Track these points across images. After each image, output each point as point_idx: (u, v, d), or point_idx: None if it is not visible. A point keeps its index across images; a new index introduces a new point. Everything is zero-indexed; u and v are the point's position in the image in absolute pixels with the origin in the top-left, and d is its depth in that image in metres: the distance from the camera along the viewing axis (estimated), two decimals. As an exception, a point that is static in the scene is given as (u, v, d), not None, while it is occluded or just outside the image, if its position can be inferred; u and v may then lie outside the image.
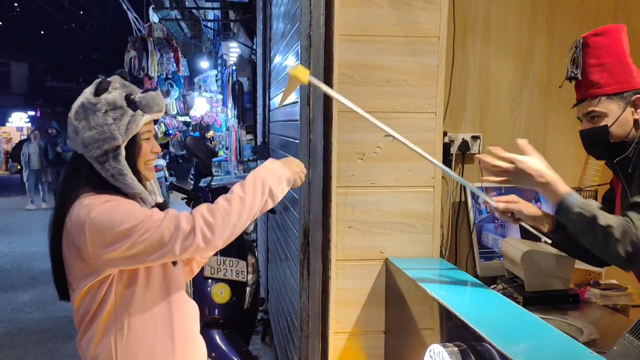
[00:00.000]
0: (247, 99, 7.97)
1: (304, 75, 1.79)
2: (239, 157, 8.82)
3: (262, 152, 4.90)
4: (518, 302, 2.23)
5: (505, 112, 2.77)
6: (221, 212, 1.52)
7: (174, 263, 1.72)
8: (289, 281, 3.07)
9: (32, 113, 27.13)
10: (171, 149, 15.74)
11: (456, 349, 1.59)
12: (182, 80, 12.06)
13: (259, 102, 6.15)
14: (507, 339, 1.47)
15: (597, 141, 1.82)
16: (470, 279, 2.13)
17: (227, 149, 12.72)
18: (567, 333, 1.59)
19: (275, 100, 4.08)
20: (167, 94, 10.71)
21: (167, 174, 12.00)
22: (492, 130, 2.75)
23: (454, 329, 1.69)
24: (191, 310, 1.83)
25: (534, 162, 1.75)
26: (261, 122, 5.67)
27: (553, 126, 2.79)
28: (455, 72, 2.64)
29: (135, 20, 11.35)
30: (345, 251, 2.31)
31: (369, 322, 2.35)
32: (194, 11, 10.88)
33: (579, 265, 2.41)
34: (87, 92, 1.63)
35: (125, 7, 10.94)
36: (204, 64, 14.64)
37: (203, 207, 1.53)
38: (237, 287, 3.18)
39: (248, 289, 3.22)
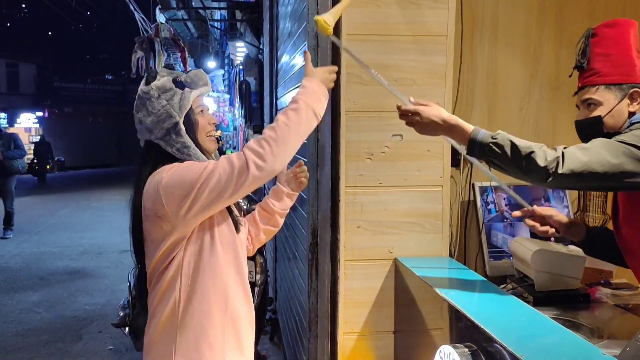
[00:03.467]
0: (254, 99, 7.97)
1: (328, 28, 1.85)
2: (246, 156, 8.80)
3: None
4: (528, 302, 2.22)
5: (514, 110, 2.75)
6: (268, 140, 1.63)
7: (237, 230, 1.82)
8: (298, 281, 3.07)
9: (40, 114, 27.26)
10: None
11: (467, 349, 1.58)
12: (189, 81, 12.03)
13: (266, 101, 6.14)
14: (518, 340, 1.46)
15: (590, 131, 1.82)
16: (479, 279, 2.12)
17: (234, 148, 12.74)
18: (578, 333, 1.58)
19: (283, 100, 4.08)
20: (174, 94, 10.72)
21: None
22: (501, 128, 2.66)
23: (464, 330, 1.68)
24: (246, 276, 1.91)
25: (433, 109, 1.75)
26: (268, 121, 5.67)
27: (562, 124, 2.78)
28: (463, 70, 2.63)
29: (142, 20, 11.37)
30: (354, 251, 2.31)
31: (378, 322, 2.34)
32: (201, 11, 10.90)
33: (590, 264, 2.40)
34: (140, 85, 1.79)
35: (132, 7, 10.96)
36: (211, 63, 14.65)
37: (251, 141, 1.65)
38: (245, 287, 3.17)
39: (257, 289, 3.22)
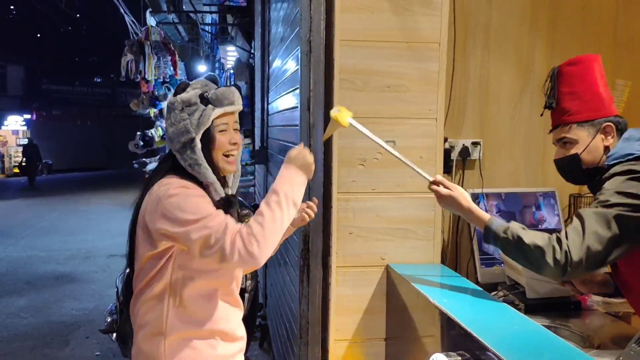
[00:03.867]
0: (245, 103, 7.92)
1: (344, 119, 1.89)
2: (236, 161, 8.77)
3: (261, 157, 4.88)
4: (519, 309, 2.22)
5: (505, 118, 2.76)
6: (257, 237, 1.62)
7: None
8: (288, 287, 3.05)
9: (28, 116, 27.04)
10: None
11: (460, 358, 1.58)
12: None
13: (257, 106, 6.13)
14: (512, 349, 1.46)
15: (570, 169, 1.88)
16: (471, 286, 2.12)
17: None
18: (570, 341, 1.58)
19: (275, 105, 4.07)
20: (164, 97, 10.65)
21: (163, 178, 11.93)
22: (492, 136, 2.74)
23: (456, 338, 1.68)
24: (237, 300, 1.92)
25: (455, 196, 1.87)
26: (259, 126, 5.65)
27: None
28: (455, 78, 2.63)
29: (132, 23, 11.32)
30: (346, 257, 2.30)
31: (370, 329, 2.33)
32: (192, 15, 10.86)
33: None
34: (170, 94, 1.85)
35: (122, 10, 10.90)
36: (201, 67, 14.61)
37: (244, 232, 1.62)
38: (235, 293, 3.15)
39: (247, 295, 3.20)
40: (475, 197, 2.66)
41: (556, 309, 2.29)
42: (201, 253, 1.64)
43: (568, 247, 1.63)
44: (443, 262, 2.49)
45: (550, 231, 2.66)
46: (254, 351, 4.40)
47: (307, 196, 2.40)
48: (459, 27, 2.62)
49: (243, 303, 3.16)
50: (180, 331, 1.74)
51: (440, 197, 1.90)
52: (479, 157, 2.70)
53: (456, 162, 2.69)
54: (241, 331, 1.90)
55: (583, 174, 1.87)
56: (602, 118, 1.83)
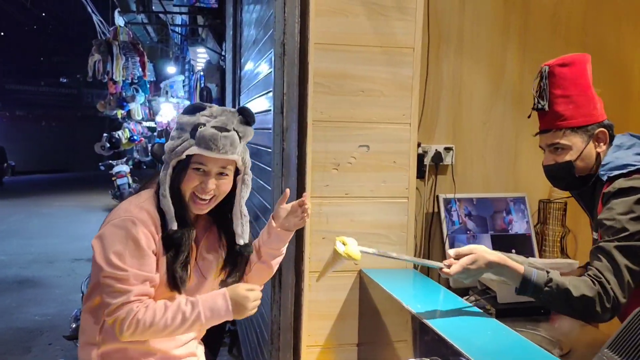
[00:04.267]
0: (215, 106, 7.86)
1: (356, 252, 1.79)
2: (206, 164, 8.69)
3: (231, 160, 4.82)
4: (490, 314, 2.23)
5: (478, 123, 2.78)
6: (139, 326, 1.57)
7: (178, 289, 1.71)
8: (259, 292, 3.01)
9: (-10, 116, 26.34)
10: (135, 155, 15.49)
11: (433, 364, 1.57)
12: (148, 85, 11.87)
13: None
14: (485, 354, 1.46)
15: (562, 176, 1.83)
16: (444, 291, 2.13)
17: (193, 155, 12.55)
18: (541, 346, 1.59)
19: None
20: (132, 99, 10.53)
21: (130, 180, 11.78)
22: (465, 141, 2.76)
23: (429, 343, 1.68)
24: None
25: (479, 257, 1.69)
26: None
27: (524, 138, 2.82)
28: (429, 83, 2.64)
29: (100, 23, 11.14)
30: (318, 263, 2.28)
31: (342, 335, 2.32)
32: (161, 15, 10.74)
33: (550, 276, 2.43)
34: (181, 111, 1.79)
35: (89, 9, 10.72)
36: (170, 69, 14.46)
37: (133, 310, 1.57)
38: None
39: (217, 300, 3.14)
40: (448, 202, 2.68)
41: (526, 314, 2.30)
42: (102, 295, 1.62)
43: (614, 291, 1.60)
44: (415, 267, 2.50)
45: (520, 236, 2.71)
46: (223, 357, 4.34)
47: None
48: (433, 33, 2.63)
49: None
50: (114, 343, 1.67)
51: (466, 270, 1.68)
52: (452, 162, 2.71)
53: (429, 167, 2.69)
54: (183, 350, 1.81)
55: (574, 181, 1.83)
56: (595, 123, 1.79)
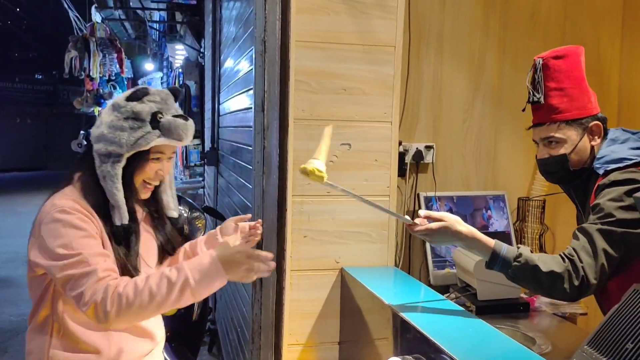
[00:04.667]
0: (194, 103, 7.82)
1: (323, 176, 1.71)
2: (185, 162, 8.64)
3: (211, 158, 4.80)
4: (471, 311, 2.25)
5: (458, 122, 2.80)
6: (123, 301, 1.43)
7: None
8: (240, 291, 3.00)
9: (-37, 113, 25.80)
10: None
11: (415, 361, 1.58)
12: (126, 82, 11.73)
13: (207, 106, 6.03)
14: (467, 352, 1.47)
15: (556, 169, 1.82)
16: (424, 289, 2.14)
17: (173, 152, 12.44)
18: (520, 342, 1.60)
19: (227, 105, 4.00)
20: (109, 95, 10.39)
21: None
22: (445, 140, 2.77)
23: (411, 340, 1.68)
24: (144, 329, 1.72)
25: (450, 225, 1.68)
26: (210, 127, 5.56)
27: (503, 137, 2.84)
28: (410, 81, 2.65)
29: (76, 19, 10.98)
30: (300, 261, 2.27)
31: (324, 333, 2.31)
32: (139, 12, 10.62)
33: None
34: (123, 95, 1.65)
35: (65, 5, 10.56)
36: (148, 65, 14.30)
37: (111, 288, 1.44)
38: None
39: (197, 299, 3.12)
40: (429, 201, 2.69)
41: (506, 311, 2.33)
42: (64, 291, 1.49)
43: (584, 270, 1.58)
44: (396, 264, 2.50)
45: (499, 234, 2.73)
46: (203, 356, 4.31)
47: (262, 199, 2.36)
48: (414, 31, 2.64)
49: (193, 309, 3.11)
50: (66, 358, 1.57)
51: (431, 234, 1.69)
52: (432, 160, 2.72)
53: (410, 166, 2.70)
54: None
55: (568, 175, 1.81)
56: (589, 116, 1.77)
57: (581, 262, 1.59)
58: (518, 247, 1.66)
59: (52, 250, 1.49)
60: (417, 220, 1.72)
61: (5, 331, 5.15)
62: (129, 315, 1.44)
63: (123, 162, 1.58)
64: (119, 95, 1.67)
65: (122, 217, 1.59)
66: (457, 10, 2.73)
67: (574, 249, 1.62)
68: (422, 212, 1.74)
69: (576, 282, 1.58)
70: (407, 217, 1.76)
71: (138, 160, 1.60)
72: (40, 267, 1.53)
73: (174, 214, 1.77)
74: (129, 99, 1.61)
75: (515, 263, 1.62)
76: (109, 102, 1.65)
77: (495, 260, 1.65)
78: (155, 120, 1.58)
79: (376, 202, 2.30)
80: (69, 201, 1.56)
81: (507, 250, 1.65)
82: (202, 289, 1.46)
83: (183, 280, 1.44)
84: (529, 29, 2.82)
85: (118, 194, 1.58)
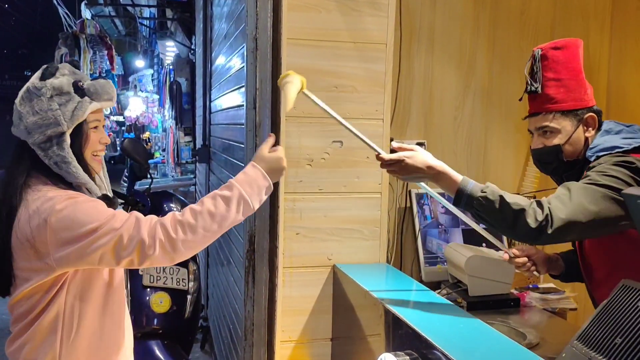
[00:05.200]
0: (185, 100, 7.82)
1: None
2: (176, 159, 8.62)
3: (202, 155, 4.80)
4: (462, 307, 2.27)
5: (449, 119, 2.81)
6: (185, 227, 1.45)
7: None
8: (232, 288, 3.00)
9: (-49, 110, 25.55)
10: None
11: (408, 357, 1.59)
12: (116, 79, 11.68)
13: (199, 103, 6.02)
14: (459, 347, 1.48)
15: (551, 160, 1.82)
16: (416, 285, 2.15)
17: (163, 150, 12.43)
18: (511, 338, 1.62)
19: (218, 102, 4.00)
20: (100, 93, 10.33)
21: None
22: (436, 137, 2.79)
23: (403, 337, 1.69)
24: (128, 319, 1.77)
25: (418, 156, 1.66)
26: (201, 124, 5.56)
27: (493, 133, 2.86)
28: (401, 79, 2.66)
29: (66, 15, 10.91)
30: (292, 258, 2.28)
31: (316, 329, 2.32)
32: (129, 8, 10.57)
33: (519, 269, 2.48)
34: (34, 77, 1.58)
35: (55, 2, 10.49)
36: (139, 62, 14.25)
37: (168, 219, 1.46)
38: (177, 295, 3.08)
39: (189, 297, 3.13)
40: (420, 198, 2.70)
41: (497, 306, 2.35)
42: (117, 257, 1.44)
43: (550, 211, 1.54)
44: (388, 261, 2.52)
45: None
46: (195, 353, 4.32)
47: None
48: (405, 29, 2.65)
49: (185, 306, 3.11)
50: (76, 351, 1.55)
51: (400, 166, 1.66)
52: (424, 157, 2.73)
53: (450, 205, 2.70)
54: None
55: (561, 165, 1.82)
56: (585, 108, 1.78)
57: (549, 203, 1.57)
58: (486, 184, 1.64)
59: (81, 232, 1.43)
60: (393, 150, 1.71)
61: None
62: (196, 239, 1.46)
63: (68, 140, 1.53)
64: (28, 83, 1.59)
65: (93, 191, 1.58)
66: (448, 8, 2.75)
67: (547, 198, 1.61)
68: (395, 143, 1.74)
69: (540, 218, 1.54)
70: (378, 147, 1.73)
71: (79, 134, 1.56)
72: (77, 257, 1.45)
73: (108, 194, 1.70)
74: (43, 78, 1.55)
75: (481, 194, 1.59)
76: (19, 95, 1.58)
77: (461, 194, 1.62)
78: (79, 89, 1.55)
79: (368, 198, 2.34)
80: (59, 190, 1.51)
81: (474, 185, 1.62)
82: (255, 198, 1.55)
83: (238, 195, 1.51)
84: (519, 27, 2.84)
85: (79, 172, 1.54)
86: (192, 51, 7.30)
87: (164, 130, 12.56)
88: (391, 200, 2.65)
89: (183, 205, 3.33)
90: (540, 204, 1.57)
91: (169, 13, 8.89)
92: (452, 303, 1.91)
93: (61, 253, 1.44)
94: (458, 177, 1.65)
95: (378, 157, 1.70)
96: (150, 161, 10.75)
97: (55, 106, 1.51)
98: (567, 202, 1.57)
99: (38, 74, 1.58)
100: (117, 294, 1.66)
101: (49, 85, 1.53)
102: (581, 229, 1.57)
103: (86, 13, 9.99)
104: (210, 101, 4.69)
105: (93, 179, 1.62)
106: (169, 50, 9.51)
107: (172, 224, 1.45)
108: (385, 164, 1.69)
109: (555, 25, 2.87)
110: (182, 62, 8.16)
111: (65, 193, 1.51)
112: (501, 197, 1.58)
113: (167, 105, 10.18)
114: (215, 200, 1.50)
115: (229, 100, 3.31)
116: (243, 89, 2.54)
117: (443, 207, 2.74)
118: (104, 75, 9.49)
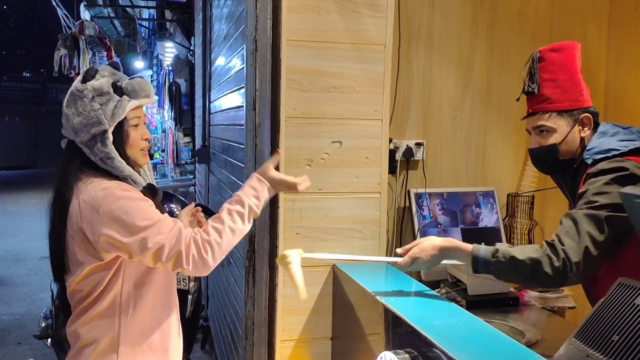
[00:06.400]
0: (184, 101, 7.82)
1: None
2: (176, 159, 8.63)
3: (202, 156, 4.81)
4: (461, 306, 2.28)
5: (447, 119, 2.82)
6: (214, 245, 1.59)
7: None
8: (233, 288, 3.01)
9: (-50, 112, 25.54)
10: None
11: (407, 356, 1.60)
12: (116, 80, 11.63)
13: (198, 104, 6.03)
14: (458, 345, 1.49)
15: (546, 158, 1.87)
16: (416, 284, 2.16)
17: (162, 151, 12.43)
18: (510, 336, 1.63)
19: (218, 103, 4.02)
20: (99, 94, 10.33)
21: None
22: (435, 137, 2.80)
23: (402, 335, 1.71)
24: (176, 302, 1.89)
25: (426, 243, 1.83)
26: (200, 125, 5.57)
27: (492, 134, 2.88)
28: (400, 79, 2.67)
29: (65, 17, 10.91)
30: (292, 258, 2.29)
31: (316, 328, 2.34)
32: (128, 9, 10.58)
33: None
34: (76, 81, 1.69)
35: (54, 3, 10.50)
36: (138, 63, 14.24)
37: (199, 238, 1.59)
38: (178, 295, 3.08)
39: (190, 297, 3.14)
40: (419, 197, 2.72)
41: (496, 305, 2.37)
42: (155, 260, 1.57)
43: (565, 252, 1.61)
44: (387, 261, 2.53)
45: (489, 230, 2.77)
46: (196, 353, 4.33)
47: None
48: (404, 30, 2.67)
49: (186, 306, 3.13)
50: (134, 346, 1.67)
51: (417, 262, 1.83)
52: (422, 157, 2.75)
53: (400, 163, 2.73)
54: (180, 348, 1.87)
55: (557, 164, 1.86)
56: (580, 108, 1.83)
57: (562, 244, 1.63)
58: (495, 245, 1.72)
59: (133, 227, 1.55)
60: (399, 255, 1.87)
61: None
62: (221, 253, 1.61)
63: (110, 137, 1.63)
64: (71, 87, 1.70)
65: (138, 182, 1.70)
66: (447, 9, 2.76)
67: (556, 235, 1.67)
68: (399, 250, 1.89)
69: (557, 264, 1.61)
70: (390, 258, 1.95)
71: (120, 131, 1.67)
72: (119, 247, 1.57)
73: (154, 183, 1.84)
74: (84, 80, 1.66)
75: (494, 259, 1.69)
76: (65, 99, 1.69)
77: (477, 263, 1.74)
78: (117, 89, 1.65)
79: (367, 198, 2.35)
80: (111, 181, 1.63)
81: (485, 250, 1.72)
82: (261, 209, 1.72)
83: (248, 208, 1.67)
84: (517, 28, 2.86)
85: (123, 166, 1.65)
86: (191, 52, 7.31)
87: (164, 131, 12.55)
88: (390, 200, 2.66)
89: (183, 205, 3.34)
90: (554, 249, 1.63)
91: (168, 14, 8.89)
92: (450, 302, 1.92)
93: (110, 237, 1.55)
94: (468, 247, 1.77)
95: (395, 265, 1.87)
96: (150, 162, 10.73)
97: (97, 106, 1.62)
98: (577, 237, 1.63)
99: (80, 77, 1.69)
100: (169, 277, 1.78)
101: (90, 87, 1.64)
102: (598, 258, 1.63)
103: (85, 14, 9.98)
104: (209, 102, 4.71)
105: (137, 171, 1.74)
106: (168, 51, 9.51)
107: (203, 244, 1.58)
108: (404, 267, 1.85)
109: (553, 26, 2.88)
110: (181, 63, 8.16)
111: (117, 184, 1.63)
112: (512, 257, 1.67)
113: (167, 106, 10.18)
114: (232, 216, 1.64)
115: (228, 101, 3.32)
116: (243, 90, 2.55)
117: (442, 206, 2.76)
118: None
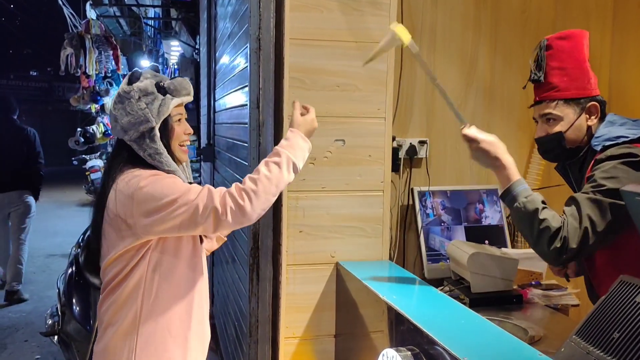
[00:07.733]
0: (189, 100, 7.82)
1: (406, 35, 1.90)
2: (181, 158, 8.63)
3: (207, 154, 4.82)
4: (464, 304, 2.28)
5: (451, 117, 2.77)
6: (249, 193, 1.65)
7: (201, 239, 1.88)
8: (237, 285, 3.03)
9: (-42, 110, 25.65)
10: (109, 149, 15.30)
11: (409, 353, 1.61)
12: (122, 79, 11.71)
13: (203, 102, 6.05)
14: (460, 343, 1.50)
15: (553, 147, 1.86)
16: (419, 282, 2.17)
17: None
18: (513, 334, 1.64)
19: (222, 102, 4.03)
20: (106, 92, 10.36)
21: (105, 175, 11.58)
22: (439, 135, 2.80)
23: (405, 333, 1.71)
24: (207, 290, 1.94)
25: (494, 143, 1.77)
26: (206, 123, 5.58)
27: (495, 131, 2.78)
28: (403, 78, 2.67)
29: (71, 16, 10.95)
30: (296, 255, 2.31)
31: (320, 326, 2.35)
32: (134, 8, 10.62)
33: (522, 266, 2.49)
34: (122, 83, 1.81)
35: (60, 2, 10.53)
36: (144, 62, 14.27)
37: (233, 189, 1.67)
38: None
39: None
40: (422, 195, 2.72)
41: (499, 303, 2.36)
42: (195, 224, 1.64)
43: (568, 234, 1.62)
44: (390, 258, 2.54)
45: (493, 228, 2.77)
46: (201, 351, 4.34)
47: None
48: (406, 27, 2.65)
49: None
50: (155, 328, 1.74)
51: (474, 146, 1.79)
52: (426, 155, 2.76)
53: (404, 161, 2.73)
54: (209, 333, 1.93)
55: (563, 152, 1.86)
56: (587, 97, 1.82)
57: (567, 225, 1.64)
58: (536, 193, 1.71)
59: (163, 203, 1.64)
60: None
61: (5, 327, 5.17)
62: (260, 202, 1.67)
63: (158, 134, 1.75)
64: (118, 89, 1.82)
65: (183, 177, 1.78)
66: (449, 7, 2.76)
67: (565, 214, 1.67)
68: (474, 128, 1.84)
69: (558, 244, 1.62)
70: (464, 118, 1.88)
71: (166, 127, 1.78)
72: (159, 226, 1.65)
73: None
74: (130, 83, 1.78)
75: (523, 199, 1.68)
76: (113, 100, 1.81)
77: (507, 193, 1.73)
78: (161, 88, 1.77)
79: (370, 196, 2.36)
80: (143, 170, 1.73)
81: (523, 189, 1.70)
82: (299, 158, 1.79)
83: (286, 159, 1.75)
84: (520, 25, 2.86)
85: (169, 161, 1.76)
86: (196, 51, 7.33)
87: (169, 129, 12.56)
88: (393, 197, 2.67)
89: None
90: (567, 228, 1.63)
91: (173, 13, 8.92)
92: (453, 299, 1.93)
93: (146, 221, 1.66)
94: (515, 177, 1.73)
95: (462, 130, 1.85)
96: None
97: (144, 105, 1.74)
98: (579, 219, 1.63)
99: (126, 80, 1.81)
100: (192, 266, 1.83)
101: (136, 88, 1.76)
102: (596, 241, 1.64)
103: (91, 13, 10.01)
104: (214, 100, 4.72)
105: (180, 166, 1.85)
106: (174, 50, 9.55)
107: (238, 192, 1.65)
108: (464, 137, 1.82)
109: (556, 23, 2.88)
110: (186, 61, 8.18)
111: (148, 172, 1.73)
112: (536, 209, 1.66)
113: (172, 104, 10.17)
114: (268, 166, 1.72)
115: (233, 99, 3.34)
116: (246, 89, 2.56)
117: (443, 205, 2.76)
118: (109, 75, 9.53)
